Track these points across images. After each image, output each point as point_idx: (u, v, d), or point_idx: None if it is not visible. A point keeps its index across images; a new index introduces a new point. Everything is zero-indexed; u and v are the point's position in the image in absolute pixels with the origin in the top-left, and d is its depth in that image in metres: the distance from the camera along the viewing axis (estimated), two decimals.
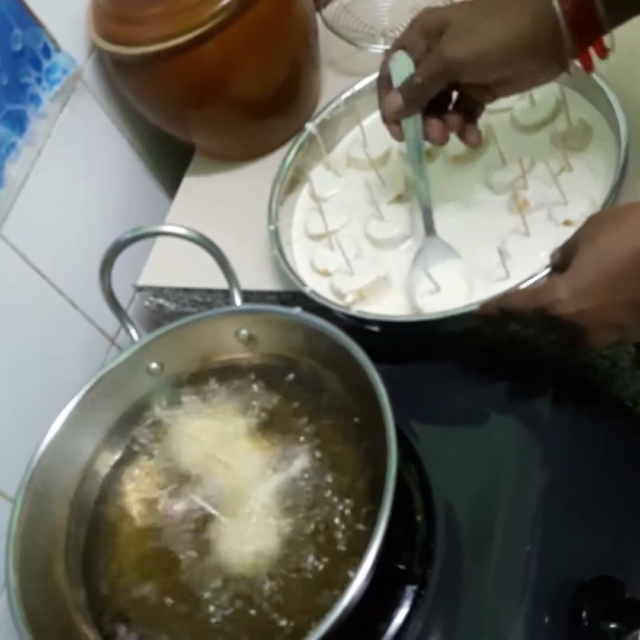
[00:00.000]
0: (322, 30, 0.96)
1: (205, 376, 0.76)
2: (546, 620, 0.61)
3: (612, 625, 0.59)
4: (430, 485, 0.67)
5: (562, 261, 0.64)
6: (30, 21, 0.83)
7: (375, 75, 0.75)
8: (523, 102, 0.83)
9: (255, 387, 0.74)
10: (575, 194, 0.74)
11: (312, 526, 0.64)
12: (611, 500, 0.68)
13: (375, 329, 0.74)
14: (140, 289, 0.93)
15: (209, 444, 0.72)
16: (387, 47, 0.77)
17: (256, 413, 0.72)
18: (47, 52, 0.85)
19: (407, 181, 0.83)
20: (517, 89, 0.71)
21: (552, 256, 0.67)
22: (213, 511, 0.68)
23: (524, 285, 0.68)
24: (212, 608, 0.63)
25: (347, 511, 0.64)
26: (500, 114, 0.84)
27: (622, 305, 0.59)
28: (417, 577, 0.63)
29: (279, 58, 0.91)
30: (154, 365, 0.76)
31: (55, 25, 0.86)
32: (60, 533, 0.70)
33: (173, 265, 0.91)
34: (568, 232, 0.64)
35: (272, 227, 0.84)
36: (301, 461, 0.68)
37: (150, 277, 0.93)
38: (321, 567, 0.62)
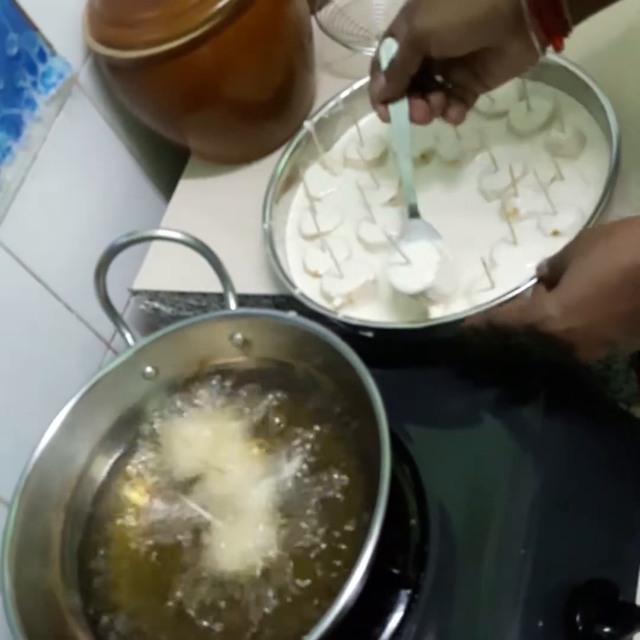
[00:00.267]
0: (317, 33, 0.96)
1: (200, 380, 0.76)
2: (540, 624, 0.61)
3: (606, 629, 0.60)
4: (424, 489, 0.67)
5: (550, 276, 0.63)
6: (25, 25, 0.83)
7: None
8: (520, 105, 0.83)
9: (250, 392, 0.74)
10: (565, 203, 0.74)
11: (306, 530, 0.64)
12: (605, 504, 0.68)
13: (369, 334, 0.74)
14: (135, 292, 0.93)
15: (203, 448, 0.72)
16: None
17: (251, 417, 0.72)
18: (42, 56, 0.85)
19: (401, 183, 0.83)
20: (498, 73, 0.70)
21: (539, 268, 0.66)
22: (207, 516, 0.68)
23: (508, 296, 0.68)
24: (206, 613, 0.63)
25: (341, 515, 0.64)
26: (496, 119, 0.84)
27: (614, 321, 0.58)
28: (411, 581, 0.63)
29: (273, 61, 0.91)
30: (149, 369, 0.76)
31: (51, 29, 0.86)
32: (56, 537, 0.70)
33: (168, 269, 0.91)
34: (556, 243, 0.63)
35: (266, 226, 0.84)
36: (295, 465, 0.68)
37: (146, 281, 0.93)
38: (316, 571, 0.62)
